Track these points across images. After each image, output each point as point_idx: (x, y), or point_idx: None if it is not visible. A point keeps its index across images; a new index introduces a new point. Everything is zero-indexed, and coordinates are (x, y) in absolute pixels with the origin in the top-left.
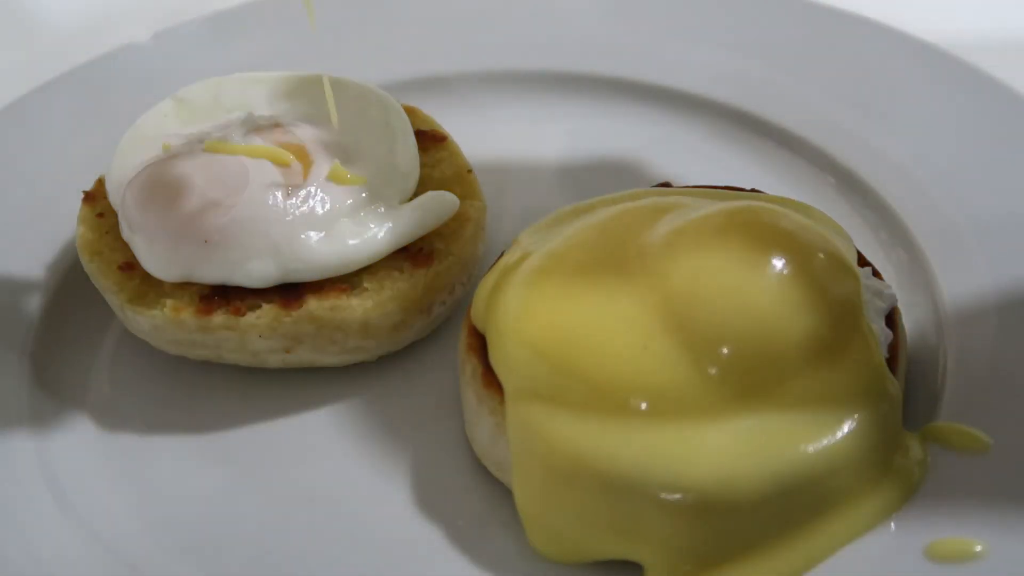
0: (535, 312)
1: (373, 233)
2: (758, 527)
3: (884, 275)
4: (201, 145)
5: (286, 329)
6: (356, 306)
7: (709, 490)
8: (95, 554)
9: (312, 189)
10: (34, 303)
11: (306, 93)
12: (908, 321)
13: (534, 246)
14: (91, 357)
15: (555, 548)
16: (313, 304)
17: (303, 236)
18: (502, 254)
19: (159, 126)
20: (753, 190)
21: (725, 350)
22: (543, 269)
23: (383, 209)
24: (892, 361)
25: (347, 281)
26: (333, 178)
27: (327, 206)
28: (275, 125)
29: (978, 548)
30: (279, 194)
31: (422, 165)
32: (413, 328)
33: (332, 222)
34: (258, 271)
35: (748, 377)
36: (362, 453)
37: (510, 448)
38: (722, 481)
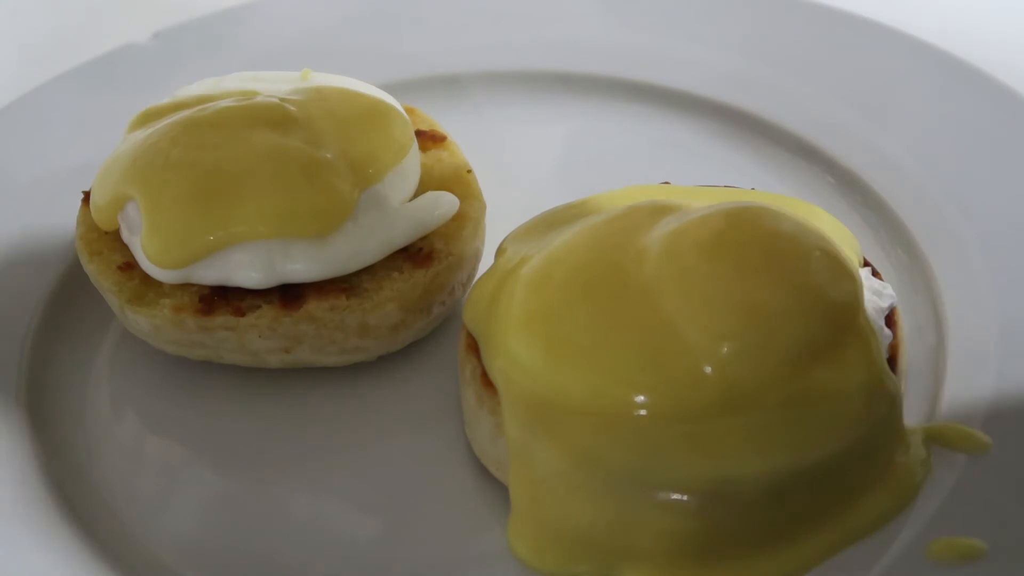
0: (537, 316)
1: (373, 234)
2: (757, 528)
3: (884, 275)
4: None
5: (286, 329)
6: (355, 306)
7: (708, 491)
8: (95, 554)
9: None
10: (34, 303)
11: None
12: (908, 321)
13: (531, 250)
14: (91, 357)
15: (539, 556)
16: (313, 304)
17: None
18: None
19: None
20: (751, 190)
21: (724, 350)
22: (544, 273)
23: (383, 210)
24: (892, 361)
25: (347, 281)
26: None
27: None
28: None
29: (978, 548)
30: None
31: (422, 165)
32: (412, 328)
33: None
34: (258, 272)
35: (747, 377)
36: (362, 453)
37: (508, 451)
38: (721, 482)
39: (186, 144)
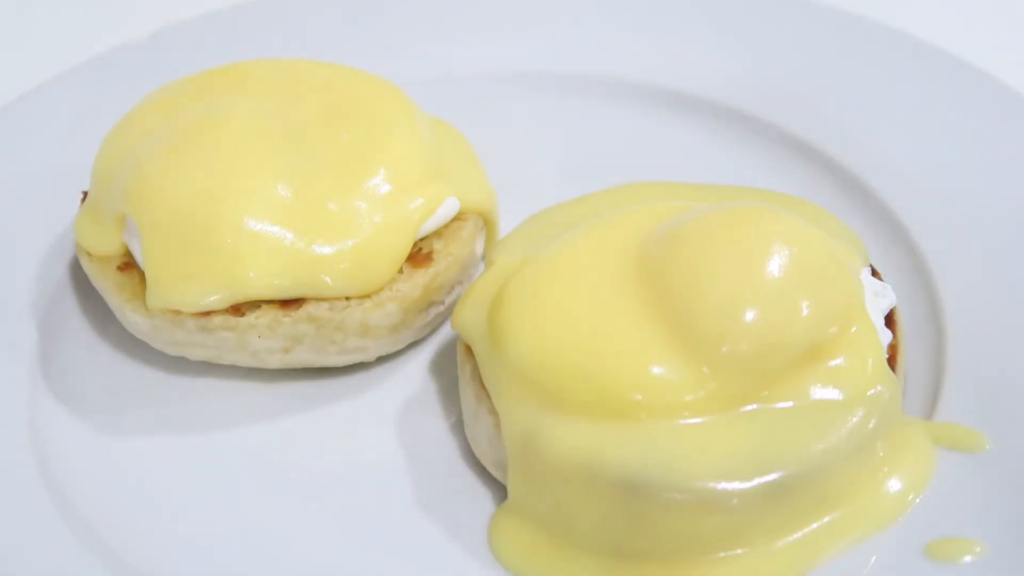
0: (536, 320)
1: None
2: (757, 530)
3: (884, 275)
4: None
5: (285, 329)
6: (355, 306)
7: (709, 491)
8: (95, 555)
9: None
10: (34, 303)
11: None
12: (908, 321)
13: (528, 252)
14: (91, 357)
15: (530, 562)
16: (312, 305)
17: None
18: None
19: None
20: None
21: (724, 351)
22: (543, 276)
23: None
24: (892, 361)
25: None
26: None
27: None
28: None
29: (978, 548)
30: None
31: None
32: (412, 328)
33: None
34: None
35: (747, 378)
36: (361, 453)
37: (507, 454)
38: (721, 484)
39: (198, 173)
